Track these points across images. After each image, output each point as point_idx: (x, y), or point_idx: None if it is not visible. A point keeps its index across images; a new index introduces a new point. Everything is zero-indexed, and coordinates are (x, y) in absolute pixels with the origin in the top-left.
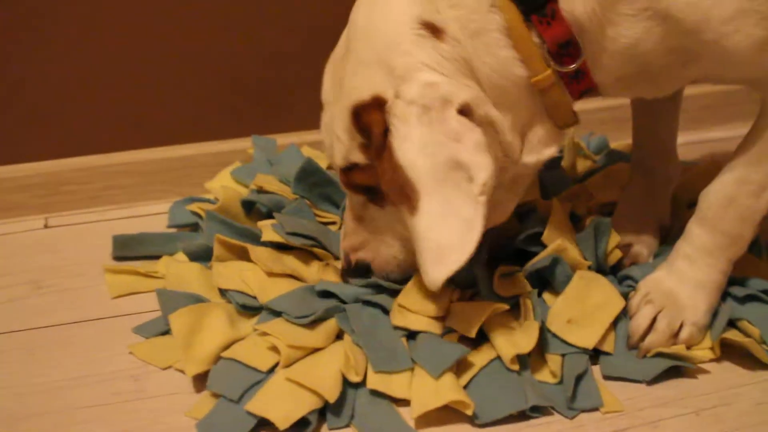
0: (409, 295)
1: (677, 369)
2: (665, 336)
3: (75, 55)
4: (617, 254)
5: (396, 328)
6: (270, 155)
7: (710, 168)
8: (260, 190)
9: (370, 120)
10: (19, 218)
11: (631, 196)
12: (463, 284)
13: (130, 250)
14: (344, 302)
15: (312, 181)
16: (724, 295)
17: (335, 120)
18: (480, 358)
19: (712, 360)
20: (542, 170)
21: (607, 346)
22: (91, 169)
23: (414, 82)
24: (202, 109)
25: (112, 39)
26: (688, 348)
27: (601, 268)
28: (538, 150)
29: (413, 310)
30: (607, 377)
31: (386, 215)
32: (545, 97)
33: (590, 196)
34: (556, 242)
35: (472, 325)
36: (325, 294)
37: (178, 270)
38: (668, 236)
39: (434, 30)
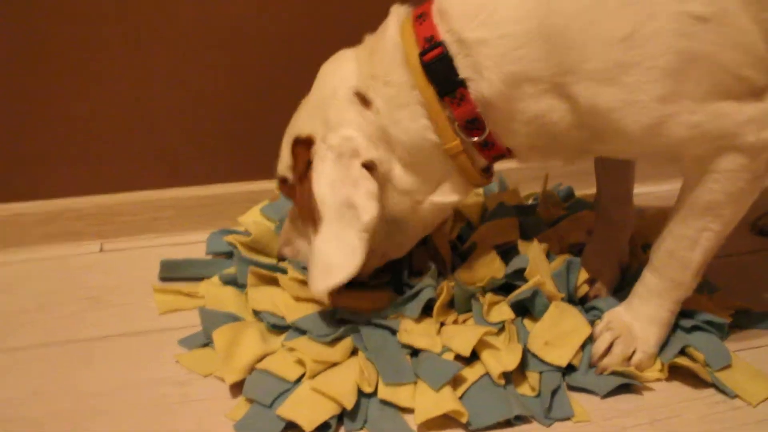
0: (413, 322)
1: (632, 386)
2: (619, 359)
3: (125, 100)
4: (585, 288)
5: (402, 346)
6: None
7: (659, 215)
8: None
9: (301, 152)
10: (77, 242)
11: (596, 239)
12: (461, 307)
13: (174, 272)
14: (359, 324)
15: None
16: (675, 326)
17: (284, 140)
18: (472, 373)
19: (663, 380)
20: (521, 216)
21: (576, 363)
22: (140, 203)
23: (337, 133)
24: (234, 152)
25: (160, 88)
26: (640, 371)
27: (572, 299)
28: (447, 195)
29: (415, 332)
30: (571, 388)
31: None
32: (455, 160)
33: (561, 238)
34: (536, 277)
35: (467, 346)
36: (343, 318)
37: (216, 292)
38: (627, 273)
39: (364, 100)
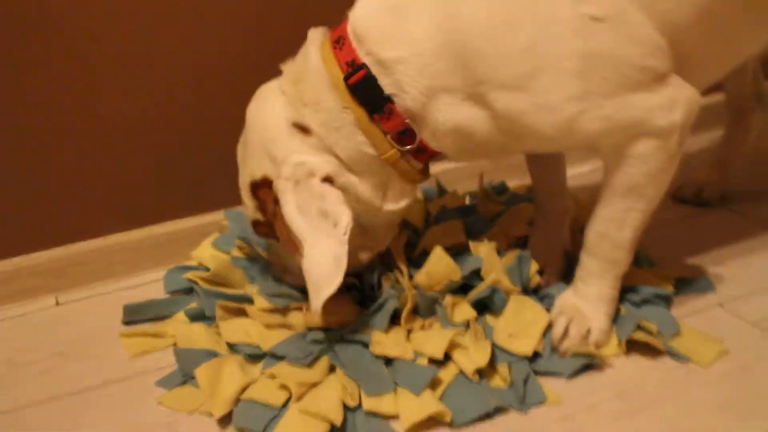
0: (382, 333)
1: (595, 365)
2: (576, 340)
3: (66, 151)
4: (537, 278)
5: (376, 357)
6: (241, 225)
7: (592, 198)
8: (243, 255)
9: (263, 194)
10: (33, 299)
11: (538, 230)
12: (425, 312)
13: (138, 315)
14: (332, 343)
15: None
16: (625, 302)
17: (242, 189)
18: (447, 374)
19: (622, 355)
20: (464, 216)
21: (540, 350)
22: (92, 251)
23: (288, 164)
24: (178, 189)
25: (99, 131)
26: (598, 348)
27: (526, 290)
28: (395, 201)
29: (387, 342)
30: (538, 373)
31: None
32: (395, 167)
33: (505, 233)
34: (491, 275)
35: (439, 349)
36: (315, 339)
37: (186, 330)
38: (572, 258)
39: (302, 128)
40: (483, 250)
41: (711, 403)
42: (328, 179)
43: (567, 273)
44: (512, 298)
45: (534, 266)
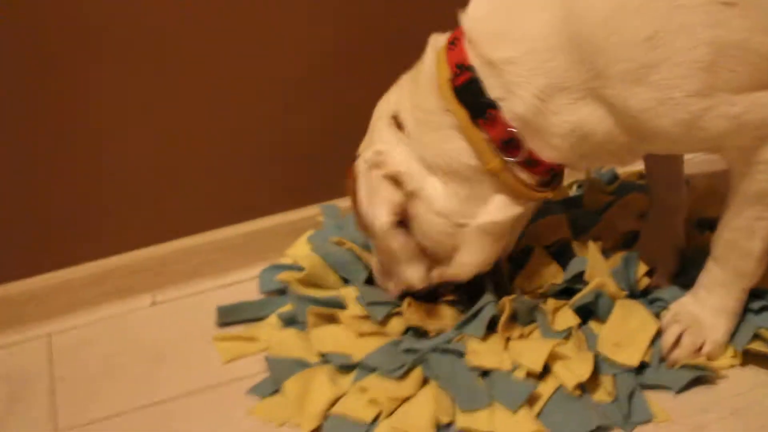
0: (479, 342)
1: (705, 378)
2: (688, 351)
3: (152, 147)
4: (645, 281)
5: (472, 368)
6: (337, 220)
7: (709, 185)
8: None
9: (350, 169)
10: (129, 298)
11: (650, 226)
12: (524, 319)
13: (231, 317)
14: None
15: None
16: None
17: None
18: (546, 388)
19: (737, 366)
20: (569, 209)
21: (647, 360)
22: (186, 250)
23: (371, 149)
24: (272, 183)
25: (186, 128)
26: (710, 360)
27: (633, 293)
28: (493, 214)
29: (483, 352)
30: (645, 386)
31: None
32: (497, 179)
33: (613, 228)
34: (597, 279)
35: (538, 361)
36: (409, 348)
37: (279, 337)
38: (685, 257)
39: (398, 123)
40: (589, 252)
41: None
42: (394, 178)
43: (678, 274)
44: (618, 303)
45: (643, 268)
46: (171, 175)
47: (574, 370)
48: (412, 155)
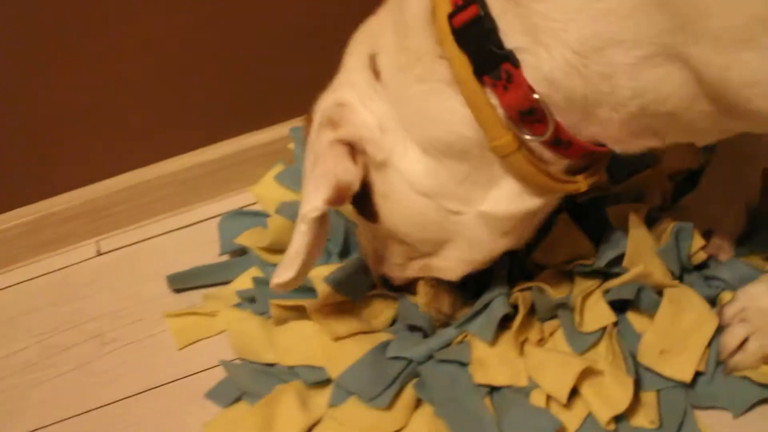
0: (487, 347)
1: None
2: (755, 358)
3: (92, 76)
4: (701, 256)
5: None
6: None
7: None
8: None
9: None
10: (72, 246)
11: (714, 173)
12: (545, 314)
13: (185, 284)
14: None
15: None
16: None
17: None
18: (572, 419)
19: None
20: None
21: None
22: (132, 187)
23: (331, 96)
24: (228, 105)
25: (121, 62)
26: None
27: (685, 269)
28: (499, 205)
29: (491, 362)
30: (695, 406)
31: None
32: (505, 162)
33: (662, 179)
34: (639, 268)
35: (563, 389)
36: (397, 356)
37: (239, 327)
38: (757, 219)
39: (375, 68)
40: (630, 227)
41: None
42: (351, 144)
43: (744, 239)
44: (666, 297)
45: (698, 242)
46: (109, 100)
47: (608, 396)
48: (388, 114)
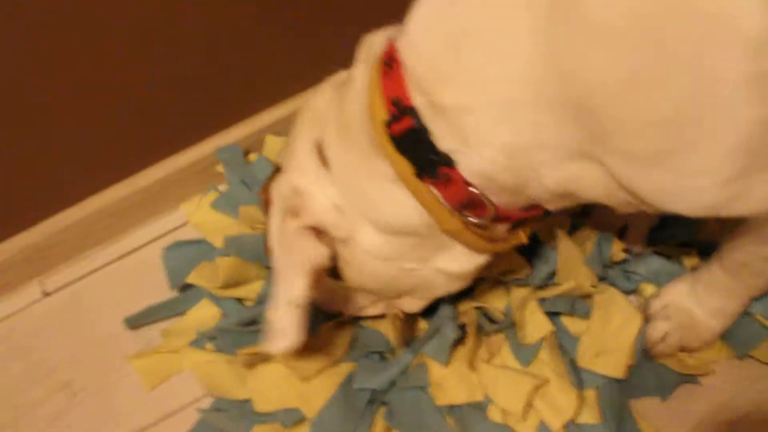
0: (443, 369)
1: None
2: (674, 348)
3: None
4: (621, 255)
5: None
6: (241, 172)
7: None
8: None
9: (267, 184)
10: (14, 291)
11: None
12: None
13: (141, 322)
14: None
15: None
16: None
17: None
18: (528, 428)
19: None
20: None
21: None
22: (67, 227)
23: (286, 181)
24: (147, 129)
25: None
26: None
27: (607, 267)
28: (453, 265)
29: (449, 383)
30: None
31: None
32: (459, 239)
33: None
34: (570, 283)
35: (518, 404)
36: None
37: (208, 370)
38: None
39: (322, 157)
40: (560, 247)
41: None
42: (316, 230)
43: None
44: (596, 304)
45: (618, 245)
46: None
47: (557, 406)
48: (341, 199)
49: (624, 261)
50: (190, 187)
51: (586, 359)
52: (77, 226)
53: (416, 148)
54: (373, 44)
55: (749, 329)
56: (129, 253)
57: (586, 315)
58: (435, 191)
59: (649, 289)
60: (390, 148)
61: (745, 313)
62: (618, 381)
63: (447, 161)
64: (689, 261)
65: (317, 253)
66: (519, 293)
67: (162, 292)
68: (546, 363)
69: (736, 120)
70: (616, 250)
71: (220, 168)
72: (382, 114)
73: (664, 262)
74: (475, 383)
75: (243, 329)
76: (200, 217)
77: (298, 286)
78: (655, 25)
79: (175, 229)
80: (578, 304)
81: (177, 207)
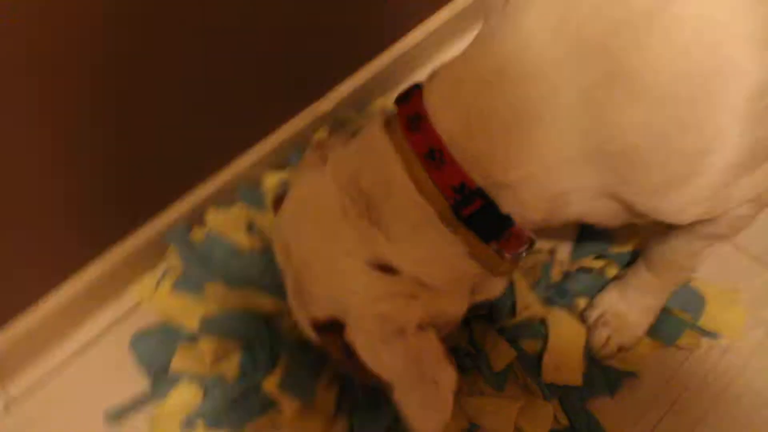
0: None
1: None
2: (614, 349)
3: None
4: (558, 276)
5: None
6: (193, 251)
7: None
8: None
9: (331, 337)
10: None
11: None
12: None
13: (122, 414)
14: None
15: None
16: None
17: (298, 318)
18: None
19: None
20: None
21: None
22: (20, 335)
23: (367, 318)
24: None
25: None
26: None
27: (549, 290)
28: (486, 293)
29: None
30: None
31: None
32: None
33: None
34: (528, 312)
35: (508, 427)
36: None
37: None
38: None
39: (385, 268)
40: (516, 283)
41: None
42: (422, 325)
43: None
44: (549, 322)
45: (558, 267)
46: None
47: (535, 422)
48: (411, 290)
49: (560, 281)
50: (139, 267)
51: (548, 374)
52: (29, 332)
53: (487, 220)
54: (394, 133)
55: (671, 323)
56: (89, 342)
57: (539, 336)
58: (497, 248)
59: (582, 302)
60: (462, 230)
61: (664, 310)
62: (576, 388)
63: (511, 223)
64: (610, 271)
65: (435, 338)
66: (479, 325)
67: (127, 378)
68: (518, 383)
69: (731, 149)
70: (556, 273)
71: (172, 250)
72: (442, 201)
73: (590, 277)
74: (460, 417)
75: (231, 406)
76: (162, 302)
77: (449, 372)
78: (692, 83)
79: (128, 313)
80: (535, 329)
81: (124, 291)
